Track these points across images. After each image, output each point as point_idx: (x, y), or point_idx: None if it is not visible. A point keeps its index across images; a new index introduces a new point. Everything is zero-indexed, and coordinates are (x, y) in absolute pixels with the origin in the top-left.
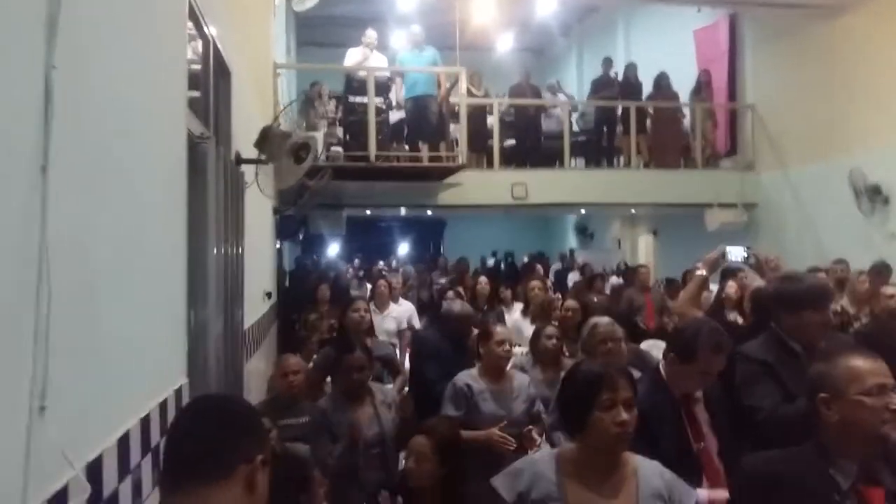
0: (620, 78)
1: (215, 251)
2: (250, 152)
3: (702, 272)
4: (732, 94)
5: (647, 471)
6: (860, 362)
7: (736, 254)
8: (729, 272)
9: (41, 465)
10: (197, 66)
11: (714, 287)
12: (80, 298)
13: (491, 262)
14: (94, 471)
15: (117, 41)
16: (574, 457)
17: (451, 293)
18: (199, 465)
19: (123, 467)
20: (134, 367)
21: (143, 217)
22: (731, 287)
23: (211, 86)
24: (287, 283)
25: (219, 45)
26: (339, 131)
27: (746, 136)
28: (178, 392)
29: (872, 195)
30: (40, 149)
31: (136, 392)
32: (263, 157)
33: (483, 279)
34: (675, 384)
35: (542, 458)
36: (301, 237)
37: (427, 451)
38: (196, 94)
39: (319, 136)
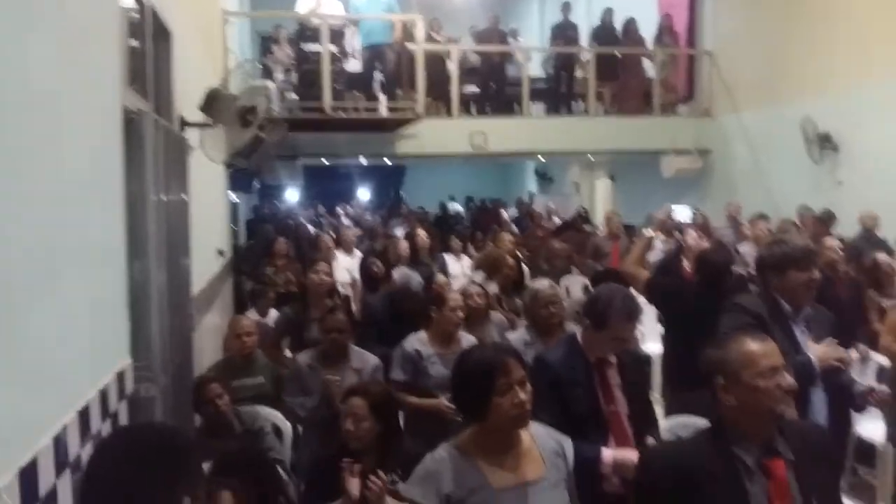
0: (595, 24)
1: (156, 221)
2: (198, 112)
3: (648, 232)
4: (692, 39)
5: (541, 433)
6: (753, 346)
7: (683, 213)
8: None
9: None
10: (133, 36)
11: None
12: None
13: (456, 206)
14: (27, 474)
15: (42, 28)
16: (475, 441)
17: (371, 259)
18: None
19: (60, 462)
20: (68, 361)
21: (72, 206)
22: (692, 236)
23: (149, 53)
24: (246, 235)
25: (156, 7)
26: (295, 77)
27: (704, 83)
28: (121, 375)
29: (822, 143)
30: None
31: (71, 386)
32: (210, 120)
33: (421, 231)
34: (590, 349)
35: (445, 454)
36: (258, 186)
37: (364, 412)
38: (133, 64)
39: (273, 85)
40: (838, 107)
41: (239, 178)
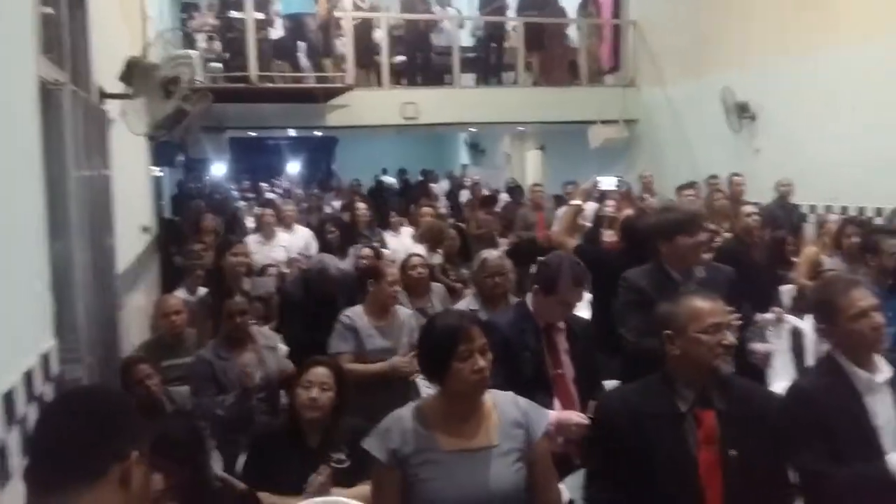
0: None
1: (77, 198)
2: (117, 83)
3: (576, 202)
4: (617, 9)
5: (504, 402)
6: (701, 304)
7: (608, 183)
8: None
9: None
10: (46, 3)
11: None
12: None
13: (389, 179)
14: None
15: None
16: (436, 405)
17: (329, 226)
18: (69, 468)
19: None
20: None
21: None
22: (609, 206)
23: (64, 20)
24: (171, 211)
25: None
26: (219, 45)
27: (629, 53)
28: (46, 357)
29: (741, 112)
30: None
31: None
32: (130, 91)
33: (361, 205)
34: (539, 314)
35: (405, 413)
36: (183, 160)
37: (330, 381)
38: (47, 32)
39: (196, 54)
40: (756, 77)
41: (162, 151)
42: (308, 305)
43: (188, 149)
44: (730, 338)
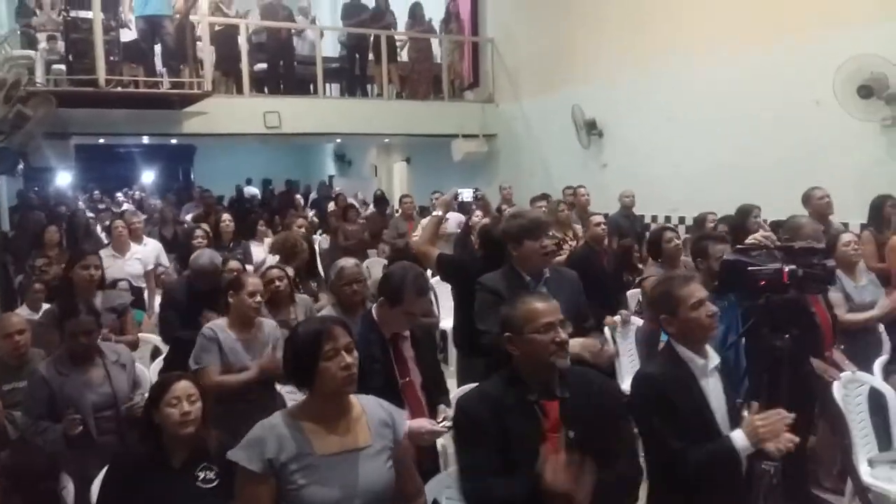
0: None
1: None
2: None
3: (437, 213)
4: (475, 26)
5: (370, 404)
6: (535, 305)
7: (466, 194)
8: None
9: None
10: None
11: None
12: None
13: (253, 190)
14: None
15: None
16: (306, 409)
17: (199, 232)
18: None
19: None
20: None
21: None
22: (478, 216)
23: None
24: (9, 223)
25: None
26: (62, 46)
27: (487, 69)
28: None
29: (589, 129)
30: None
31: None
32: None
33: (227, 216)
34: (385, 325)
35: (277, 420)
36: (23, 168)
37: (196, 393)
38: None
39: (38, 54)
40: (602, 95)
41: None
42: (188, 302)
43: (29, 157)
44: (562, 335)
